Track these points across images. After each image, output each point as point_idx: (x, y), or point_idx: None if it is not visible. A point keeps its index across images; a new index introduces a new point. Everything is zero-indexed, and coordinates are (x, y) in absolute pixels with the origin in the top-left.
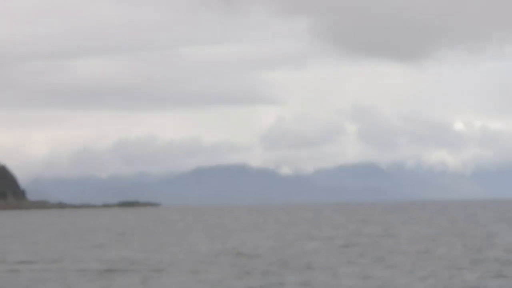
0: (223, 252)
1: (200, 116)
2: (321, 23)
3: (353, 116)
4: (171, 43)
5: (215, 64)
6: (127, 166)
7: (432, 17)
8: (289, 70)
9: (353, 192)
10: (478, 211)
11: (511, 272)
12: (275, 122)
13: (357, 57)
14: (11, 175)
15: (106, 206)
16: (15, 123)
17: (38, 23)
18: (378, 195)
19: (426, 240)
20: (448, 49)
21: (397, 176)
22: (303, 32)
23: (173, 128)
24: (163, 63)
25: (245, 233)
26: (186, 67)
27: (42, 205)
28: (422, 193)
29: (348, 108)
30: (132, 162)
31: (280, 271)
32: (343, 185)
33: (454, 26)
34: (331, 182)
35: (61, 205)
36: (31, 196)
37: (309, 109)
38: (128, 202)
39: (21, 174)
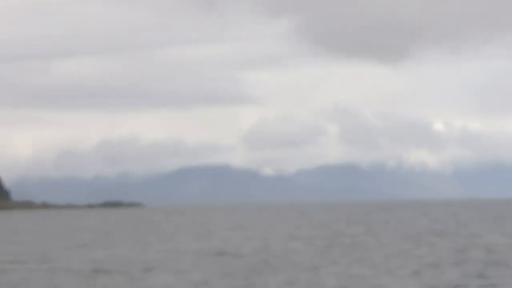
0: (207, 252)
1: (183, 116)
2: (303, 23)
3: (335, 116)
4: (153, 43)
5: (198, 64)
6: (111, 166)
7: (413, 17)
8: (271, 70)
9: (335, 192)
10: (458, 211)
11: (492, 272)
12: (257, 122)
13: (339, 58)
14: None
15: (90, 206)
16: None
17: (21, 24)
18: (359, 195)
19: (407, 240)
20: (429, 49)
21: (378, 176)
22: (285, 32)
23: (155, 128)
24: (146, 63)
25: (229, 233)
26: (168, 67)
27: (26, 205)
28: (402, 193)
29: (329, 109)
30: (116, 162)
31: (264, 271)
32: (324, 185)
33: (434, 26)
34: (313, 182)
35: (45, 206)
36: (16, 196)
37: (290, 109)
38: (112, 202)
39: (6, 175)
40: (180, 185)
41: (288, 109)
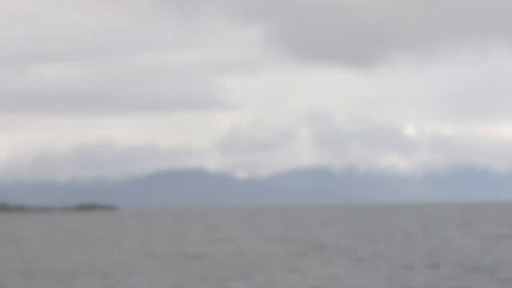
0: (182, 254)
1: (157, 120)
2: (276, 29)
3: (307, 121)
4: (128, 48)
5: (172, 69)
6: (86, 170)
7: (385, 23)
8: (244, 76)
9: (307, 195)
10: (429, 214)
11: (464, 274)
12: (231, 126)
13: (312, 63)
14: None
15: (65, 209)
16: None
17: None
18: (331, 198)
19: (380, 242)
20: (400, 55)
21: (350, 179)
22: (259, 38)
23: (130, 132)
24: (120, 68)
25: (203, 236)
26: (143, 72)
27: (1, 208)
28: (374, 196)
29: (302, 113)
30: (91, 166)
31: (238, 274)
32: (297, 188)
33: (405, 31)
34: (286, 185)
35: (20, 208)
36: None
37: (264, 114)
38: (87, 205)
39: None
40: (155, 188)
41: (261, 114)
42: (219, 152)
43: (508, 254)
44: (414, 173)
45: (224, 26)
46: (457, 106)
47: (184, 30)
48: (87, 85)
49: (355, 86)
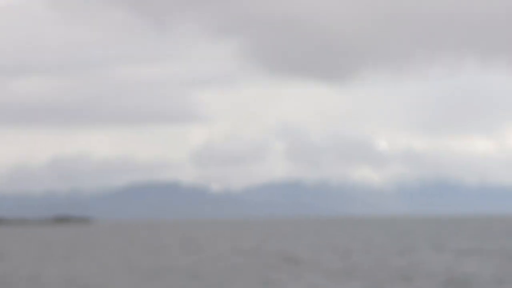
0: (155, 267)
1: (133, 133)
2: (251, 44)
3: (281, 134)
4: (104, 61)
5: (148, 82)
6: (62, 182)
7: (358, 38)
8: (219, 89)
9: (280, 208)
10: (401, 228)
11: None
12: (206, 140)
13: (286, 77)
14: None
15: (41, 221)
16: None
17: None
18: (304, 211)
19: (352, 255)
20: (374, 69)
21: (323, 192)
22: (234, 52)
23: (106, 145)
24: (97, 81)
25: (177, 248)
26: (118, 85)
27: None
28: (346, 209)
29: (276, 127)
30: (67, 178)
31: (210, 287)
32: (270, 201)
33: (379, 46)
34: (259, 198)
35: None
36: None
37: (238, 127)
38: (63, 217)
39: None
40: (131, 200)
41: (236, 127)
42: (194, 165)
43: (479, 268)
44: (386, 186)
45: (200, 40)
46: (429, 120)
47: (161, 44)
48: (64, 98)
49: (328, 100)
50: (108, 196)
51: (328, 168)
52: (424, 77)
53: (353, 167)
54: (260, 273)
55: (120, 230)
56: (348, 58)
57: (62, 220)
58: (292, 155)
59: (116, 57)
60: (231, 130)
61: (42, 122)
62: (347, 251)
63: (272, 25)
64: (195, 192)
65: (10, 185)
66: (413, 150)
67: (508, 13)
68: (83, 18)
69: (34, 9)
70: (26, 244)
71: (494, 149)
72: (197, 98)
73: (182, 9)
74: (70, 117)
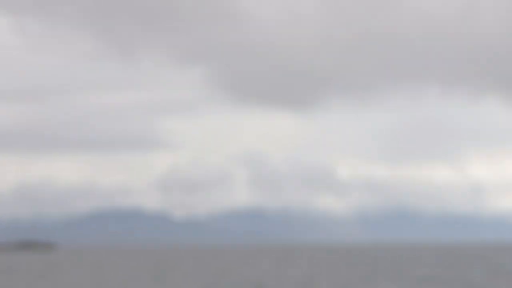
0: None
1: (98, 160)
2: (216, 72)
3: (244, 162)
4: (69, 88)
5: (112, 109)
6: (26, 208)
7: (323, 67)
8: (184, 117)
9: (242, 235)
10: (359, 255)
11: None
12: (170, 166)
13: (250, 105)
14: None
15: (5, 246)
16: None
17: None
18: (266, 238)
19: (311, 284)
20: (337, 98)
21: (285, 220)
22: (199, 80)
23: (71, 171)
24: (62, 107)
25: (138, 276)
26: (83, 112)
27: None
28: (309, 237)
29: (239, 154)
30: (31, 204)
31: None
32: (233, 228)
33: (343, 75)
34: (221, 225)
35: None
36: None
37: (202, 154)
38: (27, 243)
39: None
40: (95, 226)
41: (200, 154)
42: (157, 191)
43: None
44: (348, 214)
45: (165, 68)
46: (390, 149)
47: (126, 71)
48: (29, 124)
49: (291, 128)
50: (72, 222)
51: (291, 196)
52: (386, 107)
53: (316, 195)
54: None
55: (83, 256)
56: (313, 87)
57: (26, 245)
58: (255, 183)
59: (80, 84)
60: (195, 157)
61: (6, 148)
62: (309, 279)
63: (238, 53)
64: (158, 219)
65: None
66: (374, 179)
67: (470, 44)
68: (48, 44)
69: None
70: None
71: (455, 177)
72: (161, 125)
73: (148, 37)
74: (34, 143)
